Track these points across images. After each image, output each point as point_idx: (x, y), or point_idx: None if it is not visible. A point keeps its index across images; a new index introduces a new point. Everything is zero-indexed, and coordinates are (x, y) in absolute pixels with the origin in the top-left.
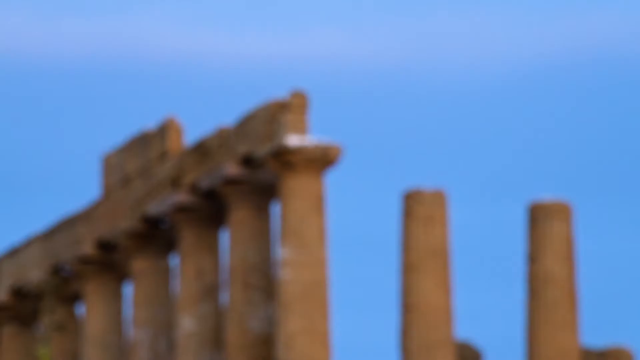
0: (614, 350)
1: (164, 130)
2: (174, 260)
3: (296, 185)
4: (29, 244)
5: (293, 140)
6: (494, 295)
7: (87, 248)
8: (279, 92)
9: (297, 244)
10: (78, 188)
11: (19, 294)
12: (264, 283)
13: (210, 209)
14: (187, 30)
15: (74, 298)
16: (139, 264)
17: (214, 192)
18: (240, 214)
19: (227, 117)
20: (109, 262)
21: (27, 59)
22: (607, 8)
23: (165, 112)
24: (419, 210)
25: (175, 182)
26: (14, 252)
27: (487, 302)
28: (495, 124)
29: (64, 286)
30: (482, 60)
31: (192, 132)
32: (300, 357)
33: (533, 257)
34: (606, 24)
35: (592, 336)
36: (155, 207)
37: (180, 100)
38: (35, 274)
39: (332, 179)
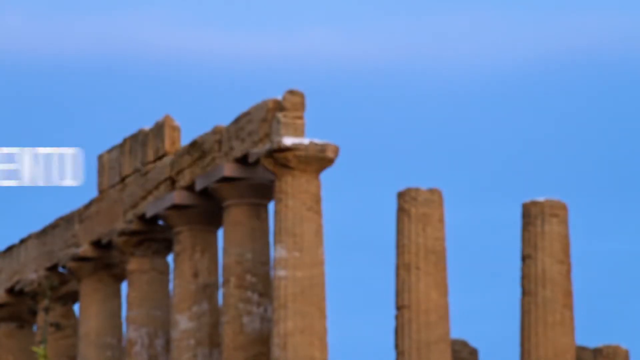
0: (609, 347)
1: (160, 129)
2: (170, 260)
3: (292, 185)
4: (25, 242)
5: (289, 139)
6: (489, 294)
7: (84, 247)
8: (275, 92)
9: (293, 243)
10: (74, 187)
11: (16, 293)
12: (260, 282)
13: (207, 208)
14: (184, 30)
15: (70, 297)
16: (135, 264)
17: (210, 192)
18: (236, 213)
19: (223, 116)
20: (106, 261)
21: (25, 59)
22: (605, 8)
23: (162, 111)
24: (414, 210)
25: (171, 182)
26: (10, 251)
27: (482, 301)
28: (491, 123)
29: (61, 285)
30: (478, 61)
31: (188, 131)
32: (296, 357)
33: (528, 256)
34: (603, 25)
35: (587, 336)
36: (151, 207)
37: (176, 99)
38: (31, 273)
39: (328, 179)
